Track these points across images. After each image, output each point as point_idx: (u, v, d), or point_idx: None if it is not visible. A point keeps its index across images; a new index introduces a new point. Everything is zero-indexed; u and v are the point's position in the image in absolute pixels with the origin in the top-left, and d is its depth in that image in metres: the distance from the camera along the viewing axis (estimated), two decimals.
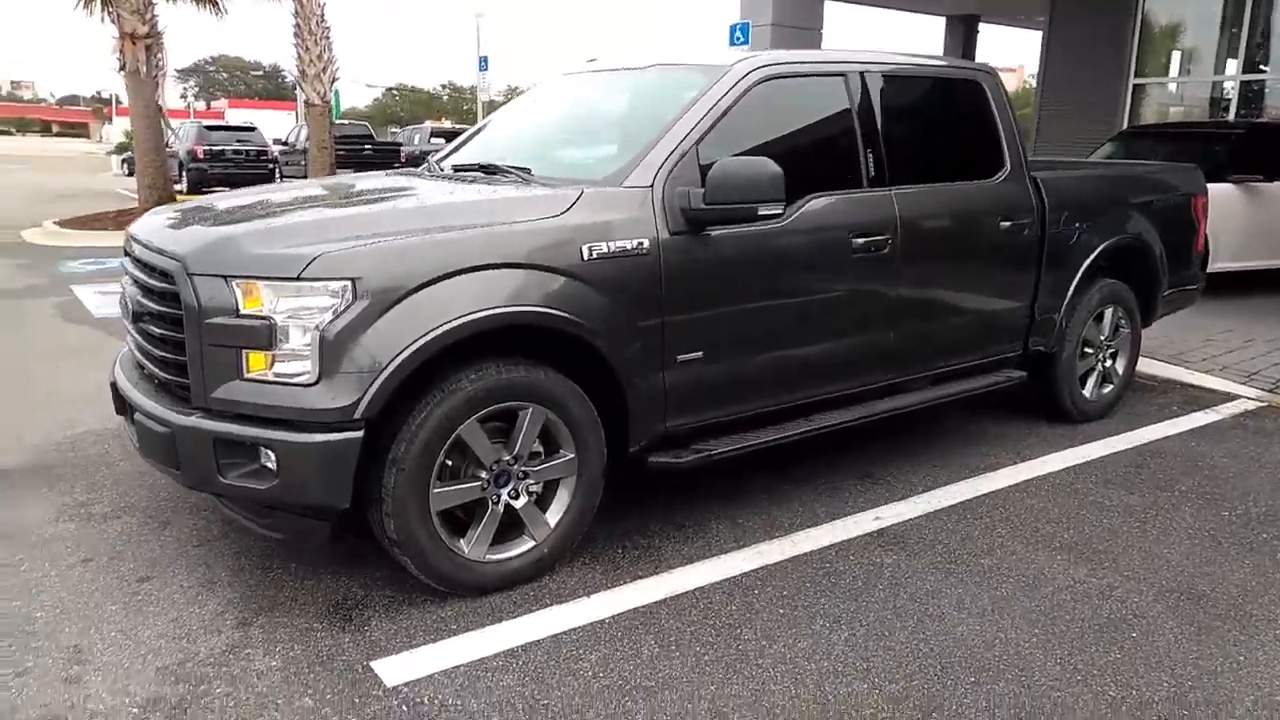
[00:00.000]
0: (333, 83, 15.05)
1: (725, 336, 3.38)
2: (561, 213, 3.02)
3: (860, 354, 3.81)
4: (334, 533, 2.92)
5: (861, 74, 3.83)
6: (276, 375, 2.67)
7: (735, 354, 3.43)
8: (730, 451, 3.46)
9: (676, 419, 3.34)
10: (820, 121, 3.80)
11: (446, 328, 2.71)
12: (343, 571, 3.13)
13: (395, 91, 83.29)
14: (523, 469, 3.02)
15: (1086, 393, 4.94)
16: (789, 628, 2.85)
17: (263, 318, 2.64)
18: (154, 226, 3.19)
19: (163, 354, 2.89)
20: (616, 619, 2.87)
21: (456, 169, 3.88)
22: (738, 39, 12.25)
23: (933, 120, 4.24)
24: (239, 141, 21.74)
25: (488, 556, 2.99)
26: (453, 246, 2.80)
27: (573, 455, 3.09)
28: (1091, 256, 4.66)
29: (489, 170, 3.67)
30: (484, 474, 2.94)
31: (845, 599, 3.03)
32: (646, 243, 3.12)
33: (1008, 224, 4.23)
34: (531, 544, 3.07)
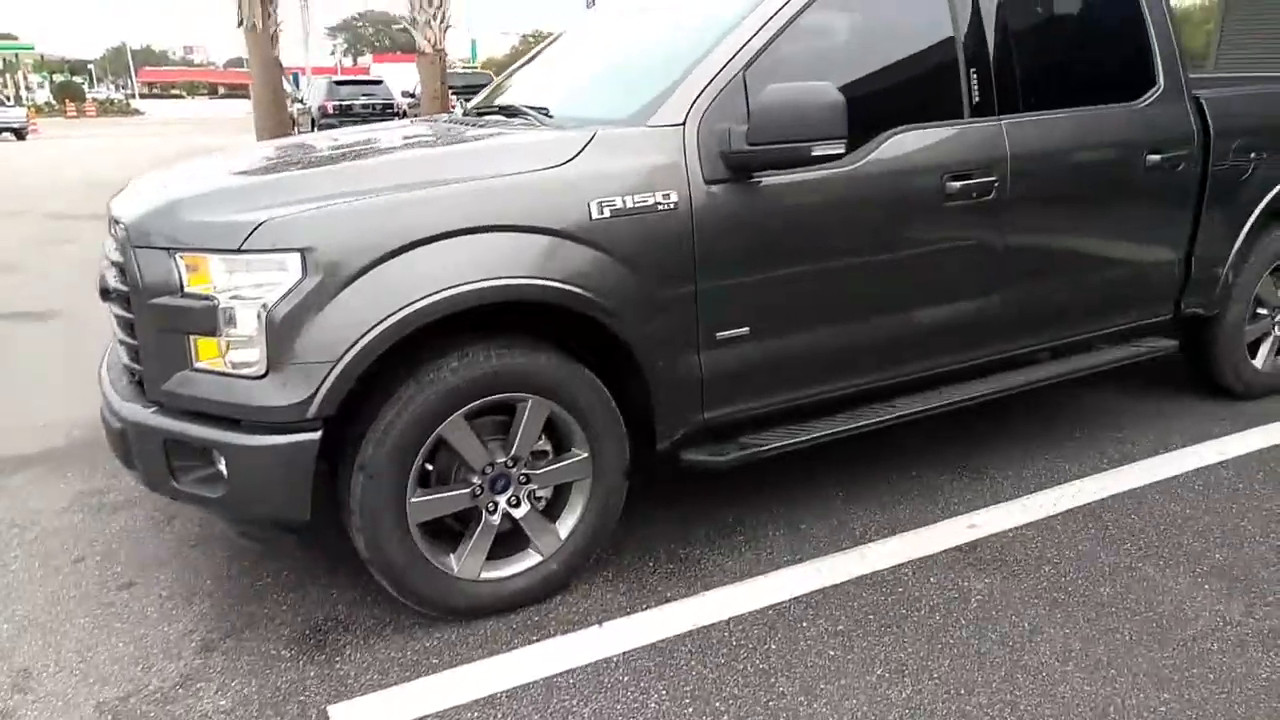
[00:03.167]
0: (445, 30, 14.78)
1: (779, 308, 2.78)
2: (564, 161, 2.48)
3: (956, 325, 3.12)
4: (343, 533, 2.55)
5: None
6: (228, 365, 2.28)
7: (792, 329, 2.82)
8: (786, 447, 2.87)
9: (718, 408, 2.78)
10: (909, 36, 3.06)
11: (414, 308, 2.24)
12: (334, 582, 2.77)
13: (532, 38, 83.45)
14: (524, 472, 2.56)
15: (1258, 363, 4.04)
16: (837, 678, 2.29)
17: (206, 298, 2.25)
18: (128, 191, 2.85)
19: (123, 337, 2.57)
20: (627, 657, 2.39)
21: (478, 112, 3.38)
22: None
23: (1060, 29, 3.41)
24: (365, 95, 22.05)
25: (483, 575, 2.55)
26: (424, 207, 2.31)
27: (586, 455, 2.60)
28: (1271, 195, 3.73)
29: (508, 112, 3.15)
30: (476, 479, 2.49)
31: (916, 639, 2.43)
32: (674, 195, 2.54)
33: (1156, 157, 3.38)
34: (538, 559, 2.62)
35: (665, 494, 3.22)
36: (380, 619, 2.58)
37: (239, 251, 2.21)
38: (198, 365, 2.31)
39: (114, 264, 2.55)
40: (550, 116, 2.93)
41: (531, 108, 3.04)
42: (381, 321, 2.21)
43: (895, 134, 2.88)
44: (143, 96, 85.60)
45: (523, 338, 2.48)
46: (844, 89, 2.79)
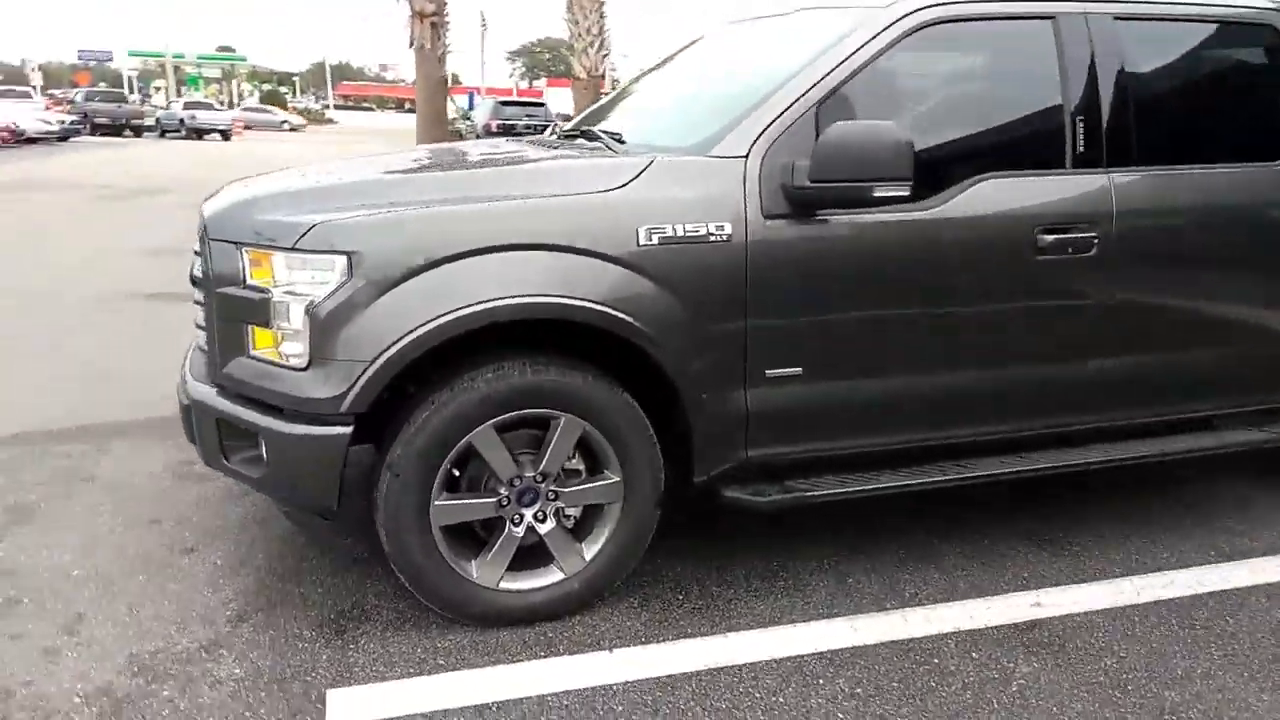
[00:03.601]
0: (603, 56, 15.22)
1: (836, 350, 2.68)
2: (618, 186, 2.48)
3: (1038, 387, 2.91)
4: None
5: (1084, 16, 2.88)
6: (279, 355, 2.40)
7: (850, 374, 2.71)
8: (833, 495, 2.75)
9: (763, 447, 2.69)
10: (1007, 80, 2.92)
11: (452, 317, 2.29)
12: (371, 573, 2.85)
13: None
14: (553, 489, 2.55)
15: None
16: None
17: (263, 290, 2.38)
18: (220, 192, 3.06)
19: (200, 322, 2.75)
20: (628, 687, 2.33)
21: (566, 135, 3.44)
22: None
23: (1188, 80, 3.15)
24: (527, 115, 22.98)
25: (502, 585, 2.56)
26: (472, 221, 2.37)
27: (618, 479, 2.57)
28: None
29: (589, 136, 3.19)
30: (503, 490, 2.51)
31: (938, 714, 2.26)
32: (729, 227, 2.50)
33: None
34: (559, 576, 2.60)
35: (714, 528, 3.15)
36: (403, 614, 2.63)
37: (293, 250, 2.32)
38: (253, 353, 2.44)
39: (196, 254, 2.74)
40: (622, 142, 2.95)
41: (608, 133, 3.06)
42: (418, 328, 2.27)
43: (983, 180, 2.73)
44: (338, 108, 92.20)
45: (565, 356, 2.49)
46: (929, 132, 2.73)
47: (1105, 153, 2.86)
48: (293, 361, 2.36)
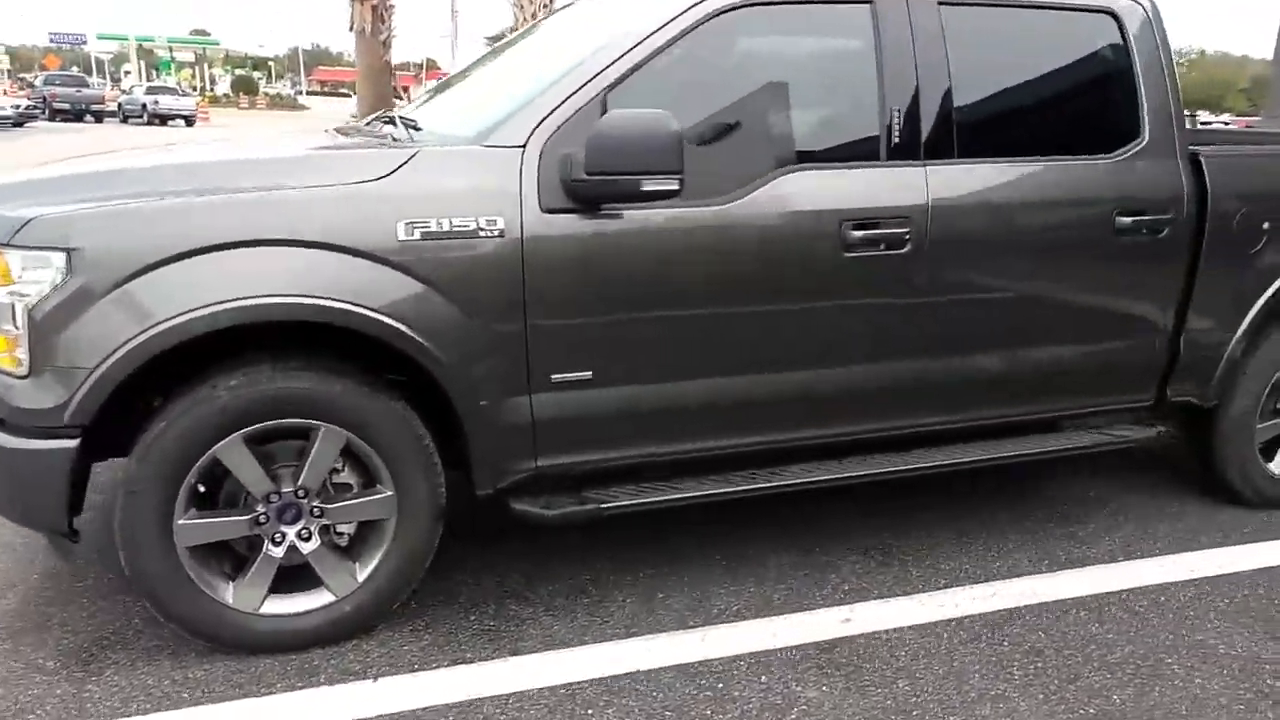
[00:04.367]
0: None
1: (629, 354, 2.53)
2: (377, 178, 2.31)
3: (854, 389, 2.77)
4: None
5: (906, 1, 2.73)
6: (7, 362, 2.22)
7: (646, 377, 2.56)
8: (629, 507, 2.61)
9: (555, 457, 2.55)
10: (820, 67, 2.78)
11: (181, 320, 2.12)
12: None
13: None
14: (318, 505, 2.39)
15: (1275, 469, 3.45)
16: None
17: None
18: None
19: None
20: None
21: (378, 120, 3.23)
22: None
23: (1020, 70, 2.99)
24: None
25: (263, 609, 2.40)
26: (207, 214, 2.19)
27: (390, 493, 2.41)
28: None
29: (390, 123, 3.01)
30: (261, 507, 2.35)
31: None
32: (501, 221, 2.34)
33: (1129, 219, 2.92)
34: (330, 599, 2.44)
35: (528, 541, 3.00)
36: (164, 643, 2.46)
37: (9, 246, 2.14)
38: None
39: None
40: (418, 130, 2.77)
41: (406, 120, 2.89)
42: (141, 333, 2.10)
43: (785, 174, 2.58)
44: (311, 94, 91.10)
45: (323, 361, 2.32)
46: (732, 122, 2.57)
47: (923, 145, 2.71)
48: (14, 369, 2.18)
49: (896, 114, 2.69)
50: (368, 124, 3.09)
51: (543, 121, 2.40)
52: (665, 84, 2.53)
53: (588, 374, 2.49)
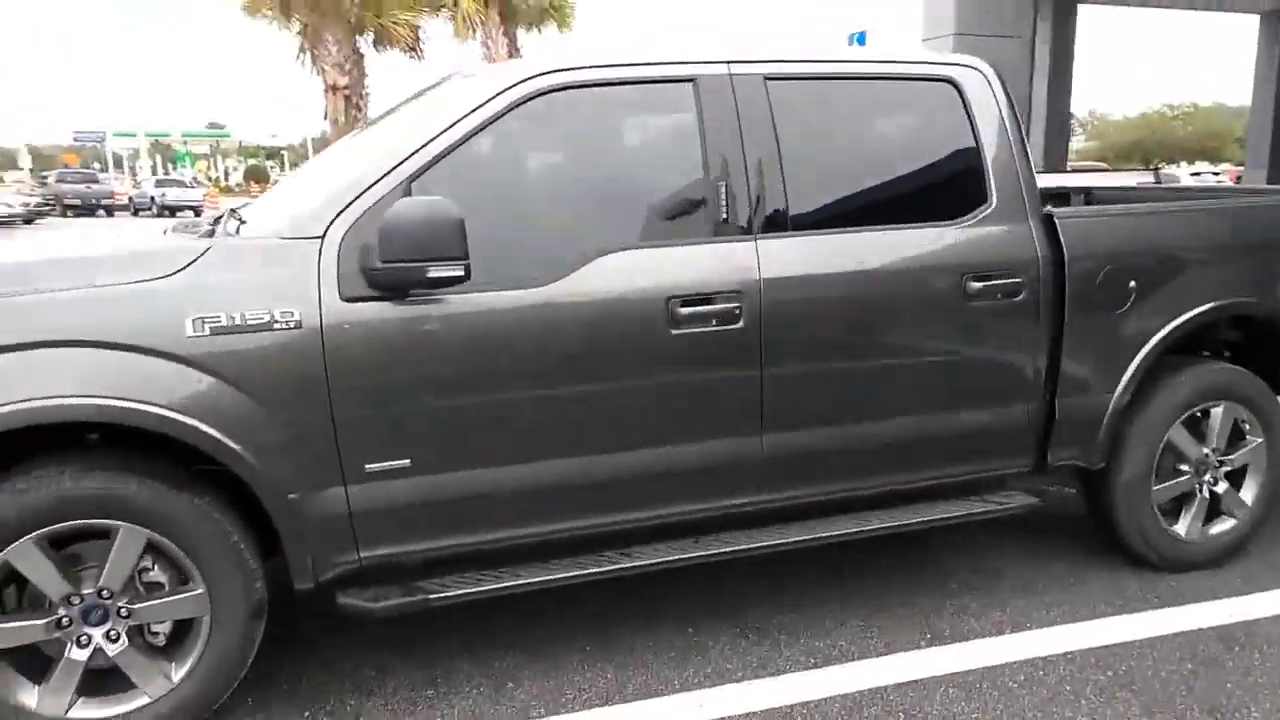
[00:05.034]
0: None
1: (449, 441, 2.49)
2: (171, 273, 2.31)
3: (695, 467, 2.71)
4: None
5: (729, 78, 2.75)
6: None
7: (471, 464, 2.52)
8: (462, 596, 2.54)
9: (379, 547, 2.50)
10: (643, 147, 2.81)
11: None
12: None
13: None
14: (125, 605, 2.34)
15: (1180, 530, 3.33)
16: None
17: None
18: None
19: None
20: None
21: (217, 218, 3.19)
22: None
23: (859, 140, 3.00)
24: None
25: (72, 714, 2.33)
26: (10, 313, 2.19)
27: (201, 590, 2.36)
28: (1166, 330, 3.12)
29: (236, 218, 3.02)
30: (63, 610, 2.30)
31: None
32: (298, 313, 2.33)
33: (979, 284, 2.88)
34: (144, 701, 2.38)
35: (398, 624, 2.92)
36: None
37: None
38: None
39: None
40: (243, 223, 2.78)
41: (236, 214, 2.90)
42: None
43: (608, 255, 2.57)
44: None
45: (114, 458, 2.30)
46: (549, 206, 2.60)
47: (754, 220, 2.70)
48: None
49: (724, 190, 2.68)
50: (215, 219, 3.10)
51: (342, 212, 2.40)
52: (478, 170, 2.55)
53: (405, 462, 2.45)
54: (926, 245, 2.87)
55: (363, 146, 2.97)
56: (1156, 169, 15.35)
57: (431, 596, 2.51)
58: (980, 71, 3.04)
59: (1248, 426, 3.34)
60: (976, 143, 2.97)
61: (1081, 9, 13.67)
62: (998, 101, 3.02)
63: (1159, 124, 54.74)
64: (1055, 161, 13.97)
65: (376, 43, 16.22)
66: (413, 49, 16.75)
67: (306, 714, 2.56)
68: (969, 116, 2.98)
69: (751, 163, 2.71)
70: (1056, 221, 3.00)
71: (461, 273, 2.29)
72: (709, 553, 2.75)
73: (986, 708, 2.55)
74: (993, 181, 2.96)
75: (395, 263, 2.28)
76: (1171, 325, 3.11)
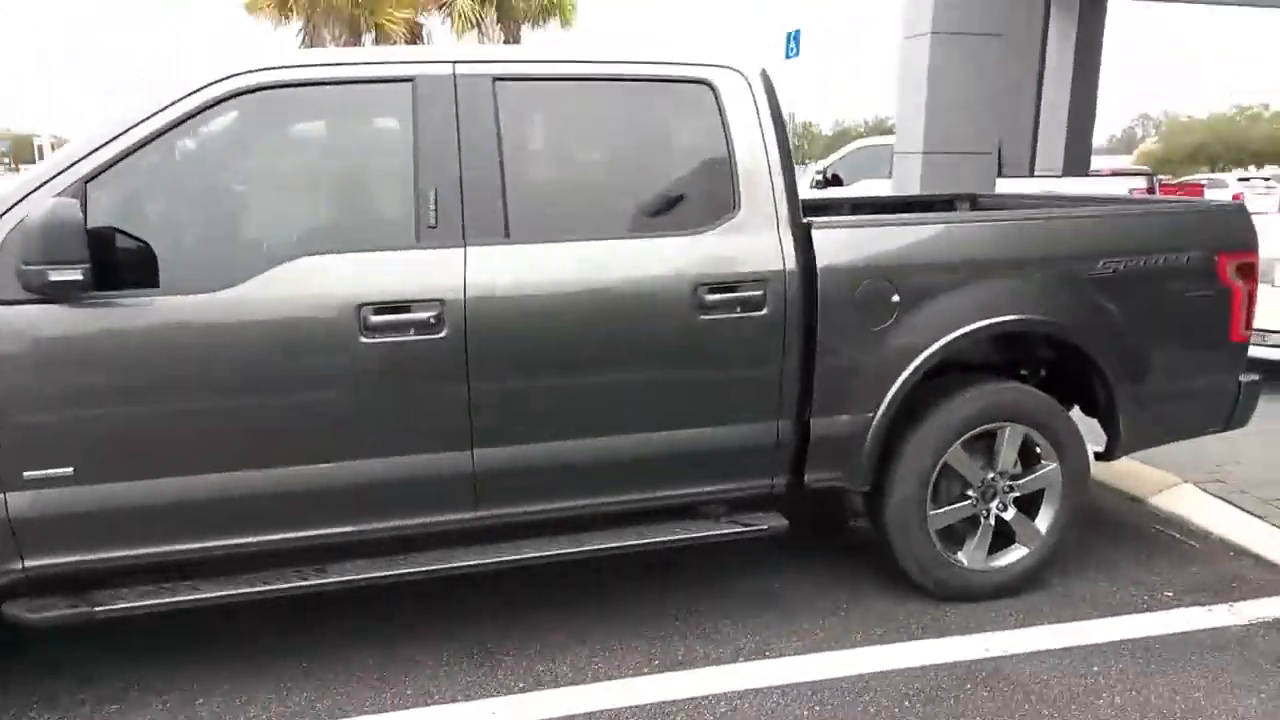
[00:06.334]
0: None
1: (115, 448, 2.42)
2: None
3: (392, 481, 2.62)
4: None
5: (453, 78, 2.65)
6: None
7: (138, 473, 2.44)
8: (134, 609, 2.47)
9: (43, 558, 2.43)
10: (346, 149, 2.71)
11: None
12: None
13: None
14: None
15: (963, 558, 3.18)
16: None
17: None
18: None
19: None
20: None
21: None
22: (791, 51, 10.19)
23: (599, 146, 2.90)
24: None
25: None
26: None
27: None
28: (935, 346, 2.96)
29: None
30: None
31: None
32: None
33: (716, 296, 2.76)
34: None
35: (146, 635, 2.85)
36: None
37: None
38: None
39: None
40: None
41: None
42: None
43: (299, 260, 2.48)
44: None
45: None
46: (237, 209, 2.52)
47: (465, 227, 2.60)
48: None
49: (433, 196, 2.58)
50: None
51: (8, 211, 2.33)
52: (165, 172, 2.47)
53: (68, 470, 2.38)
54: (656, 255, 2.75)
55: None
56: (1151, 176, 14.81)
57: (96, 609, 2.44)
58: (741, 74, 2.91)
59: (1039, 450, 3.19)
60: (729, 149, 2.84)
61: (1113, 4, 13.22)
62: (757, 106, 2.89)
63: (1225, 127, 52.50)
64: (1075, 166, 13.25)
65: (377, 41, 15.98)
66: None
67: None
68: (723, 121, 2.85)
69: (468, 167, 2.61)
70: (813, 232, 2.87)
71: (80, 277, 2.21)
72: (405, 571, 2.66)
73: None
74: (742, 189, 2.83)
75: (31, 265, 2.21)
76: (941, 342, 2.97)
